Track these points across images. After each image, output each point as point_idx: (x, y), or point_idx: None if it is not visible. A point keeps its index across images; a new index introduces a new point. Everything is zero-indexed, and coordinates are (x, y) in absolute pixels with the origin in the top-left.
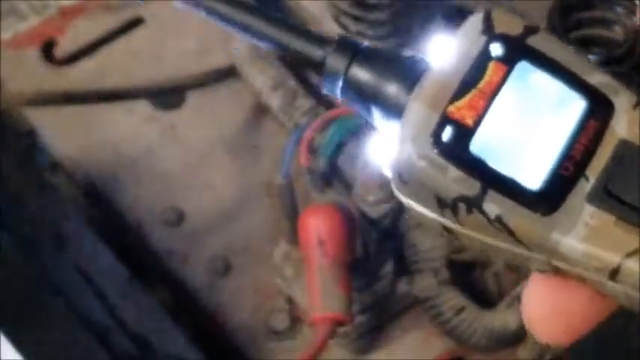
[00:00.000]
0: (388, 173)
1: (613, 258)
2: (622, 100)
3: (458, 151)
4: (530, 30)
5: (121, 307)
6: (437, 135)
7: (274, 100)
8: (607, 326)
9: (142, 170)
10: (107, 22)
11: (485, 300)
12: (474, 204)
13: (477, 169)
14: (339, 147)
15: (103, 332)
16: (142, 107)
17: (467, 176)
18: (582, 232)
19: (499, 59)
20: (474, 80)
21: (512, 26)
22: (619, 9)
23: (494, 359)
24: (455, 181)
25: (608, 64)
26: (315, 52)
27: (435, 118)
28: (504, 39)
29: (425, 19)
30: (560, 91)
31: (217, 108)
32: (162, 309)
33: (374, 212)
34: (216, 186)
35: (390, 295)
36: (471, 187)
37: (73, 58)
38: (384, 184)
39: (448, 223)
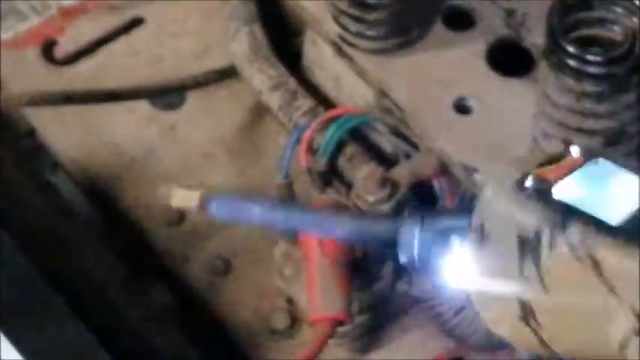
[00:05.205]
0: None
1: None
2: None
3: (539, 193)
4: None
5: (121, 307)
6: (520, 183)
7: (274, 101)
8: None
9: (142, 170)
10: (107, 22)
11: None
12: (556, 232)
13: (557, 205)
14: (339, 147)
15: (103, 332)
16: (142, 107)
17: (547, 209)
18: None
19: (580, 155)
20: (556, 159)
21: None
22: (618, 9)
23: (493, 359)
24: (535, 212)
25: (607, 64)
26: (388, 230)
27: (517, 174)
28: (583, 148)
29: (425, 18)
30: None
31: (217, 108)
32: (163, 308)
33: (373, 212)
34: (216, 186)
35: (389, 295)
36: (552, 217)
37: (73, 58)
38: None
39: (530, 273)
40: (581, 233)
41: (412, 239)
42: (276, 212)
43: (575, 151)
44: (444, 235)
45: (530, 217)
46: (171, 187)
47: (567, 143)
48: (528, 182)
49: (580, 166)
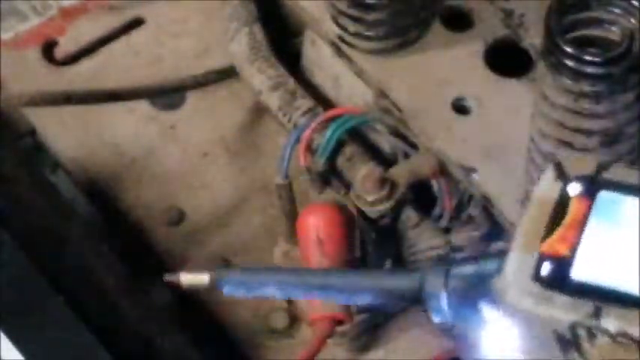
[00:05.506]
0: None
1: None
2: None
3: (559, 279)
4: (603, 166)
5: (121, 307)
6: (536, 272)
7: (273, 101)
8: None
9: (142, 170)
10: (107, 22)
11: None
12: (592, 325)
13: (583, 290)
14: (338, 147)
15: (103, 332)
16: (142, 107)
17: (575, 299)
18: None
19: (580, 195)
20: (559, 219)
21: (584, 166)
22: (616, 10)
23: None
24: (564, 307)
25: (605, 64)
26: (411, 284)
27: (531, 260)
28: (580, 178)
29: (423, 19)
30: None
31: (217, 108)
32: (163, 308)
33: (372, 212)
34: (216, 186)
35: None
36: (582, 308)
37: (74, 58)
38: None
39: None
40: (615, 319)
41: (439, 293)
42: (289, 281)
43: (573, 190)
44: (473, 285)
45: (559, 314)
46: (178, 273)
47: (560, 175)
48: (544, 269)
49: (587, 213)
